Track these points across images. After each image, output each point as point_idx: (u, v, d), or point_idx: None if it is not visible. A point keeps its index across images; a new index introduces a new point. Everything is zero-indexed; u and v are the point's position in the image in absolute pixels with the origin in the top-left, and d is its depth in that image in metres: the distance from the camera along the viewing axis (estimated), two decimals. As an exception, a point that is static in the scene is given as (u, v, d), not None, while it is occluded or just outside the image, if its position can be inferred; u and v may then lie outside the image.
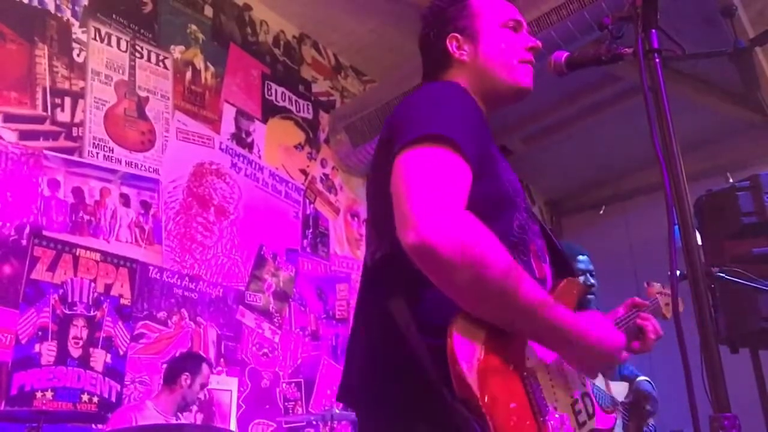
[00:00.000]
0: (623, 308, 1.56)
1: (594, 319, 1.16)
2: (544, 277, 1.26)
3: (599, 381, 2.73)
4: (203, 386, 3.29)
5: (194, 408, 3.66)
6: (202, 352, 3.82)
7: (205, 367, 3.33)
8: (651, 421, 2.90)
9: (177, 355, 3.59)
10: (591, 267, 2.93)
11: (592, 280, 2.90)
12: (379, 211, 1.18)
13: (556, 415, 1.10)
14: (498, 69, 1.35)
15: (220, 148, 4.37)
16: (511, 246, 1.15)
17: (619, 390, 2.84)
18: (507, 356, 1.07)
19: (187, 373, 3.20)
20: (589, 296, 2.84)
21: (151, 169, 3.92)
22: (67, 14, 3.75)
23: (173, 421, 3.14)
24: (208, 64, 4.49)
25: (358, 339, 1.22)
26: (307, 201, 4.90)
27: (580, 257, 2.92)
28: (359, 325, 1.22)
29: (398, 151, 1.08)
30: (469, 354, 1.01)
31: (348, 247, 5.03)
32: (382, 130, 1.23)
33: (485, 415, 0.97)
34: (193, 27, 4.48)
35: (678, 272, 1.10)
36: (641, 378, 2.96)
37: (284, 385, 4.26)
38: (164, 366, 3.45)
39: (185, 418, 3.48)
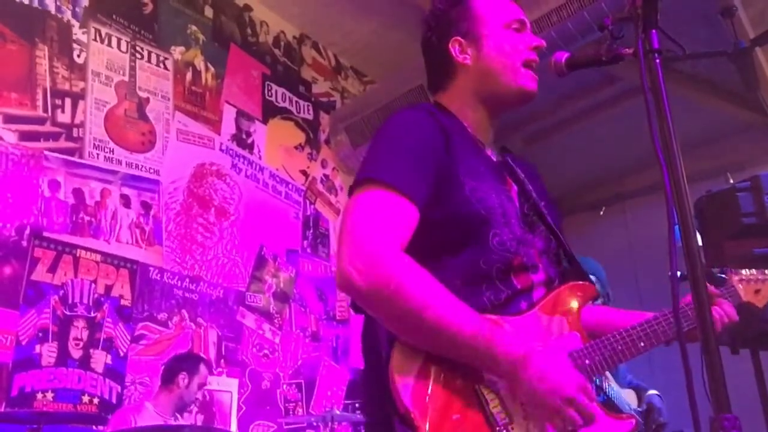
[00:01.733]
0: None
1: (552, 361, 1.09)
2: (528, 286, 1.24)
3: (619, 389, 2.72)
4: (201, 386, 3.29)
5: (194, 409, 3.67)
6: (202, 354, 3.82)
7: (202, 367, 3.33)
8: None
9: (175, 356, 3.59)
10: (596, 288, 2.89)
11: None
12: None
13: (523, 424, 1.08)
14: (501, 72, 1.35)
15: (221, 149, 4.37)
16: (483, 264, 1.19)
17: (628, 398, 2.87)
18: (454, 370, 1.09)
19: (184, 373, 3.21)
20: None
21: (151, 170, 3.92)
22: (68, 15, 3.75)
23: (172, 421, 3.13)
24: (209, 64, 4.49)
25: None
26: (308, 202, 4.90)
27: (590, 278, 2.89)
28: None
29: (349, 191, 1.20)
30: (406, 372, 1.07)
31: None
32: None
33: (417, 428, 1.02)
34: (194, 28, 4.48)
35: (678, 273, 1.10)
36: (652, 392, 2.96)
37: (285, 386, 4.25)
38: (162, 367, 3.45)
39: (185, 420, 3.48)
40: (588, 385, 1.13)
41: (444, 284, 1.12)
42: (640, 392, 2.94)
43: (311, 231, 4.86)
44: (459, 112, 1.36)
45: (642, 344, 1.28)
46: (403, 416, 1.03)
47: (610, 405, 2.77)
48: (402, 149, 1.20)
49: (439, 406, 1.05)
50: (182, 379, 3.19)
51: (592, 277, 2.93)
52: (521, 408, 1.10)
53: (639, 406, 2.89)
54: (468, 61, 1.37)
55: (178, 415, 3.23)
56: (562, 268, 1.38)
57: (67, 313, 3.29)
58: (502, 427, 1.06)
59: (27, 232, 3.25)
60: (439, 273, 1.14)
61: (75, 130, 3.61)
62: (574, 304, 1.28)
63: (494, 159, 1.39)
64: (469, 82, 1.36)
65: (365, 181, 1.16)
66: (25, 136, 3.38)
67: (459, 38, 1.37)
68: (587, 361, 1.20)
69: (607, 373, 2.71)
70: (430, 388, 1.06)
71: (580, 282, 1.32)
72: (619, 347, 1.25)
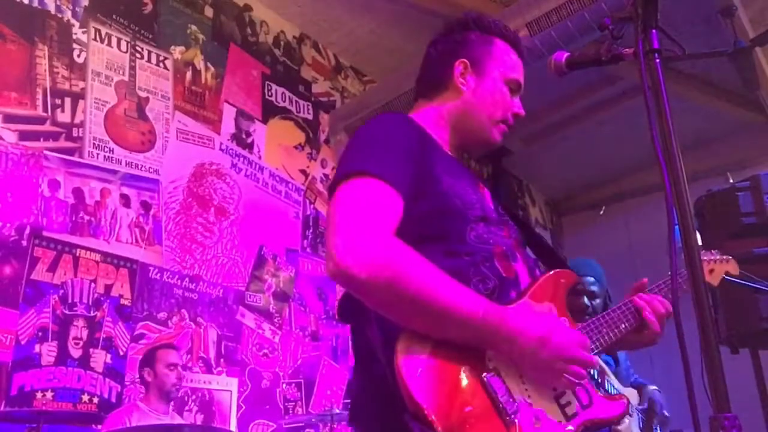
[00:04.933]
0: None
1: (537, 318, 1.15)
2: (513, 275, 1.27)
3: (619, 386, 2.74)
4: (171, 367, 3.25)
5: (194, 408, 3.67)
6: (202, 353, 3.82)
7: (160, 352, 3.31)
8: (657, 427, 2.93)
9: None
10: (593, 288, 2.87)
11: (589, 302, 2.87)
12: None
13: (529, 411, 1.10)
14: (483, 117, 1.39)
15: (221, 149, 4.37)
16: (465, 256, 1.21)
17: (631, 396, 2.88)
18: (460, 362, 1.09)
19: (146, 368, 3.24)
20: (584, 317, 2.84)
21: (151, 170, 3.92)
22: (68, 15, 3.75)
23: (168, 415, 3.14)
24: (209, 64, 4.49)
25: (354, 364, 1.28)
26: (308, 201, 4.90)
27: (587, 278, 2.90)
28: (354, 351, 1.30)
29: (330, 188, 1.18)
30: (414, 367, 1.05)
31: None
32: None
33: (432, 423, 0.99)
34: (194, 27, 4.48)
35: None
36: (652, 388, 2.97)
37: (284, 385, 4.25)
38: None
39: (185, 418, 3.48)
40: (587, 340, 1.20)
41: None
42: (641, 389, 2.95)
43: (311, 230, 4.86)
44: (430, 127, 1.38)
45: (623, 325, 1.38)
46: (416, 413, 1.01)
47: None
48: (383, 145, 1.22)
49: (451, 399, 1.05)
50: (147, 374, 3.23)
51: (590, 278, 2.95)
52: (527, 393, 1.13)
53: (640, 403, 2.89)
54: (463, 87, 1.40)
55: (172, 411, 3.22)
56: (538, 259, 1.43)
57: (67, 312, 3.29)
58: (512, 416, 1.07)
59: (27, 231, 3.25)
60: None
61: (75, 129, 3.61)
62: (560, 290, 1.32)
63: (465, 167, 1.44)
64: (453, 105, 1.40)
65: (348, 175, 1.16)
66: (24, 136, 3.38)
67: (466, 61, 1.40)
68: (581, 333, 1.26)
69: (608, 371, 2.72)
70: (439, 382, 1.05)
71: (562, 269, 1.35)
72: (604, 329, 1.34)
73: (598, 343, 1.32)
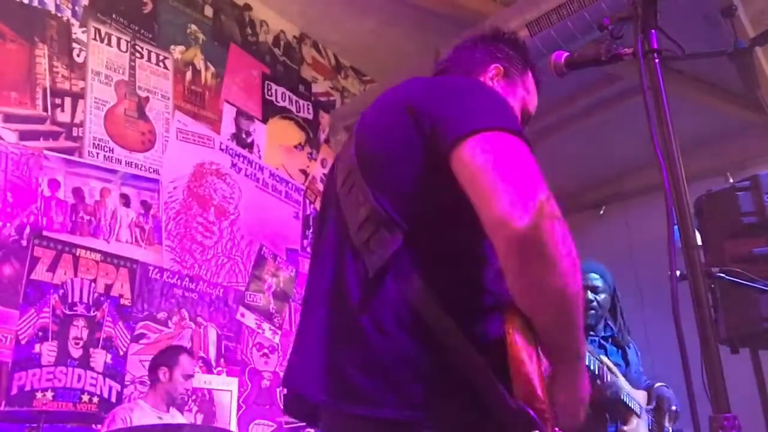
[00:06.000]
0: None
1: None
2: None
3: (630, 388, 2.75)
4: (187, 377, 3.24)
5: (194, 408, 3.67)
6: (202, 353, 3.83)
7: (183, 358, 3.27)
8: (669, 426, 2.94)
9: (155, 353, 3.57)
10: (596, 284, 2.95)
11: (593, 296, 2.91)
12: (399, 195, 1.08)
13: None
14: None
15: (220, 149, 4.37)
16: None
17: (640, 398, 2.90)
18: (541, 361, 1.03)
19: (164, 367, 3.20)
20: (590, 311, 2.86)
21: (151, 170, 3.92)
22: (67, 14, 3.75)
23: (167, 416, 3.13)
24: (209, 64, 4.49)
25: (349, 332, 1.04)
26: (308, 201, 4.90)
27: (590, 275, 2.97)
28: (352, 317, 1.05)
29: (461, 140, 1.01)
30: (529, 354, 0.97)
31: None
32: (391, 111, 1.18)
33: (547, 420, 0.94)
34: (193, 27, 4.48)
35: (678, 272, 1.10)
36: (659, 384, 2.99)
37: (284, 385, 4.25)
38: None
39: (186, 418, 3.48)
40: None
41: (490, 257, 1.04)
42: (650, 390, 2.97)
43: (311, 230, 4.86)
44: None
45: None
46: (534, 405, 0.94)
47: (619, 404, 2.79)
48: (510, 108, 1.14)
49: (550, 399, 0.99)
50: (163, 373, 3.18)
51: (594, 274, 2.99)
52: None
53: (649, 403, 2.91)
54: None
55: (174, 410, 3.22)
56: None
57: (67, 312, 3.29)
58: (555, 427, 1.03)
59: (27, 231, 3.25)
60: (487, 249, 1.04)
61: (75, 129, 3.61)
62: None
63: None
64: None
65: (486, 129, 1.01)
66: (24, 136, 3.38)
67: (502, 69, 1.39)
68: None
69: (617, 372, 2.73)
70: (545, 379, 0.99)
71: None
72: None
73: None
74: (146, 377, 3.44)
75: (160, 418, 3.09)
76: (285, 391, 1.17)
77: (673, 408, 2.93)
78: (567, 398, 1.05)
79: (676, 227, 1.06)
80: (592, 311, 2.88)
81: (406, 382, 0.98)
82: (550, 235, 0.92)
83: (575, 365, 1.06)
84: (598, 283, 2.96)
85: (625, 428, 2.75)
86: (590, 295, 2.93)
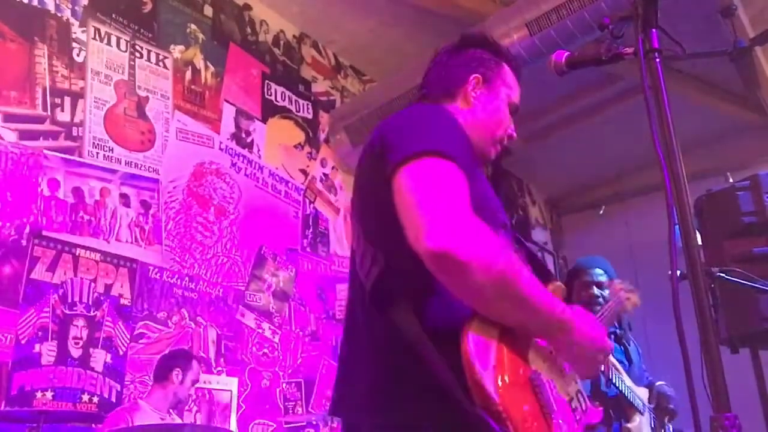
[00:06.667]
0: None
1: (587, 319, 1.23)
2: None
3: (632, 384, 2.80)
4: (194, 383, 3.27)
5: (194, 408, 3.67)
6: (202, 353, 3.82)
7: (195, 364, 3.31)
8: (669, 425, 2.95)
9: (167, 353, 3.57)
10: (601, 279, 2.98)
11: (599, 291, 2.93)
12: (371, 227, 1.22)
13: (561, 413, 1.14)
14: (486, 133, 1.44)
15: (220, 148, 4.37)
16: None
17: (643, 395, 2.91)
18: (517, 358, 1.10)
19: (178, 369, 3.20)
20: (596, 307, 2.87)
21: (151, 169, 3.92)
22: (67, 14, 3.75)
23: (168, 417, 3.13)
24: (208, 63, 4.48)
25: (359, 356, 1.21)
26: (307, 201, 4.90)
27: (595, 270, 2.98)
28: (361, 343, 1.21)
29: (397, 166, 1.11)
30: (484, 358, 1.04)
31: (348, 247, 5.03)
32: (369, 145, 1.26)
33: (506, 420, 0.99)
34: (193, 27, 4.48)
35: (678, 272, 1.10)
36: (660, 382, 3.00)
37: (284, 385, 4.25)
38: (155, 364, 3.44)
39: (185, 418, 3.48)
40: (607, 332, 1.34)
41: None
42: (651, 388, 2.98)
43: (311, 230, 4.85)
44: None
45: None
46: (484, 403, 1.00)
47: (622, 400, 2.81)
48: (447, 129, 1.21)
49: (516, 396, 1.05)
50: (176, 375, 3.19)
51: (599, 270, 3.02)
52: (554, 392, 1.17)
53: (650, 401, 2.92)
54: (474, 100, 1.44)
55: (173, 412, 3.22)
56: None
57: (67, 312, 3.29)
58: (550, 415, 1.09)
59: (26, 231, 3.25)
60: None
61: (74, 129, 3.61)
62: None
63: None
64: (462, 115, 1.42)
65: (419, 154, 1.11)
66: (24, 135, 3.38)
67: (480, 77, 1.45)
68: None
69: (621, 369, 2.75)
70: (505, 378, 1.04)
71: (555, 283, 1.43)
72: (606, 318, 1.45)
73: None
74: (146, 377, 3.44)
75: (162, 419, 3.08)
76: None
77: (672, 406, 2.94)
78: (576, 359, 1.21)
79: (676, 227, 1.06)
80: (598, 306, 2.90)
81: (398, 396, 1.11)
82: (457, 247, 1.01)
83: (564, 330, 1.15)
84: (603, 278, 2.98)
85: (629, 425, 2.76)
86: (596, 291, 2.94)
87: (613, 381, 2.63)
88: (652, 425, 2.89)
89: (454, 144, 1.16)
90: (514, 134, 1.50)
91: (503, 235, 1.29)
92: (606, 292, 2.94)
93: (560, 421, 1.10)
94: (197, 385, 3.65)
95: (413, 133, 1.18)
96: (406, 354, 1.07)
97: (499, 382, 1.02)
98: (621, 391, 2.69)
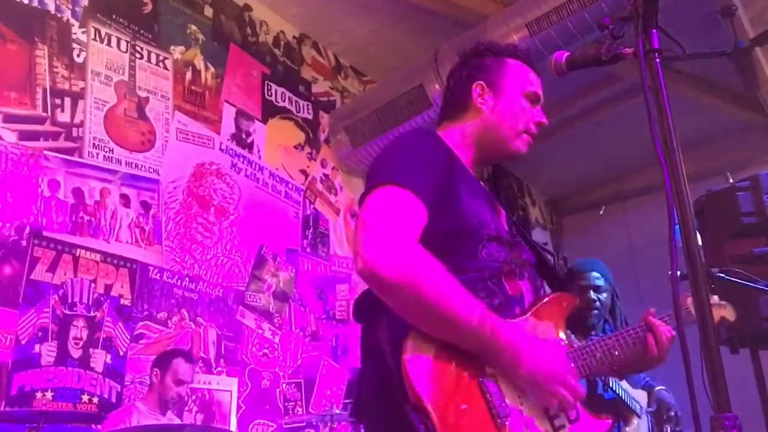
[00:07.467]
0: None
1: (534, 345, 1.23)
2: (519, 293, 1.36)
3: (628, 387, 2.79)
4: (179, 382, 3.19)
5: (194, 409, 3.66)
6: (202, 353, 3.82)
7: (177, 362, 3.23)
8: (668, 426, 2.93)
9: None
10: (598, 283, 2.93)
11: (596, 296, 2.90)
12: None
13: (520, 418, 1.19)
14: (505, 130, 1.48)
15: (220, 149, 4.37)
16: (475, 271, 1.29)
17: (639, 398, 2.89)
18: (462, 364, 1.18)
19: (156, 370, 3.20)
20: (593, 311, 2.85)
21: (151, 170, 3.92)
22: (67, 14, 3.75)
23: (162, 418, 3.12)
24: (208, 64, 4.49)
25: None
26: (307, 201, 4.90)
27: (592, 273, 2.95)
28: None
29: (363, 196, 1.25)
30: (418, 365, 1.14)
31: (348, 248, 5.03)
32: None
33: (430, 414, 1.09)
34: (193, 27, 4.48)
35: (678, 272, 1.10)
36: (659, 387, 2.98)
37: (284, 385, 4.25)
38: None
39: (185, 419, 3.48)
40: (574, 370, 1.31)
41: None
42: (650, 392, 2.96)
43: (311, 230, 4.85)
44: (456, 147, 1.47)
45: (617, 353, 1.43)
46: (415, 404, 1.10)
47: (620, 404, 2.79)
48: (413, 158, 1.30)
49: (449, 396, 1.13)
50: (154, 375, 3.19)
51: (595, 273, 2.98)
52: (519, 400, 1.21)
53: (649, 405, 2.90)
54: (482, 107, 1.48)
55: (171, 414, 3.21)
56: (543, 280, 1.53)
57: (67, 312, 3.29)
58: (503, 419, 1.15)
59: (26, 231, 3.25)
60: None
61: (74, 129, 3.61)
62: (561, 312, 1.42)
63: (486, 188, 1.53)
64: (475, 125, 1.48)
65: (378, 184, 1.24)
66: (24, 136, 3.38)
67: (482, 83, 1.49)
68: (571, 364, 1.34)
69: None
70: (440, 380, 1.14)
71: (565, 293, 1.45)
72: (598, 354, 1.41)
73: (586, 369, 1.38)
74: (146, 378, 3.44)
75: (157, 420, 3.08)
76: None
77: (673, 413, 2.92)
78: (526, 382, 1.21)
79: (677, 227, 1.06)
80: (596, 311, 2.87)
81: (377, 400, 1.24)
82: (380, 268, 1.13)
83: (502, 356, 1.18)
84: (600, 282, 2.95)
85: (627, 429, 2.75)
86: (593, 295, 2.91)
87: (610, 385, 2.62)
88: (651, 429, 2.88)
89: (415, 173, 1.26)
90: (544, 119, 1.52)
91: (495, 247, 1.33)
92: (603, 296, 2.92)
93: (511, 424, 1.15)
94: (197, 386, 3.65)
95: (382, 164, 1.30)
96: (376, 361, 1.20)
97: (430, 384, 1.12)
98: (618, 395, 2.67)
